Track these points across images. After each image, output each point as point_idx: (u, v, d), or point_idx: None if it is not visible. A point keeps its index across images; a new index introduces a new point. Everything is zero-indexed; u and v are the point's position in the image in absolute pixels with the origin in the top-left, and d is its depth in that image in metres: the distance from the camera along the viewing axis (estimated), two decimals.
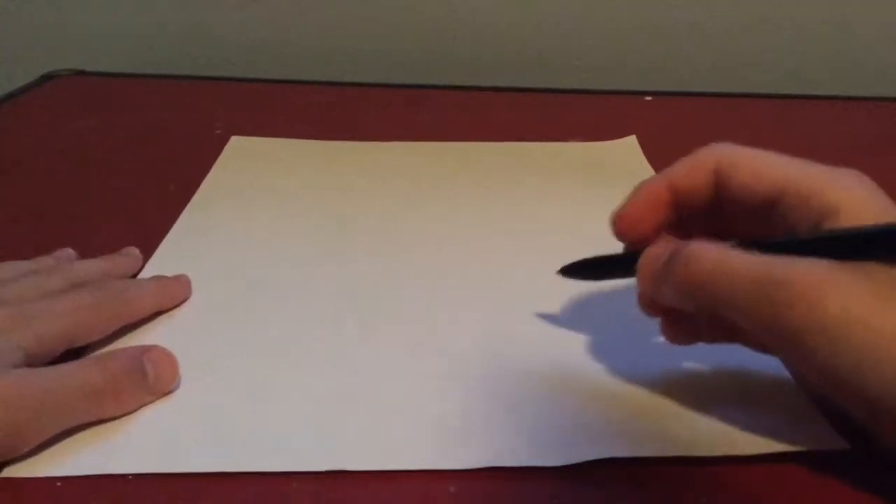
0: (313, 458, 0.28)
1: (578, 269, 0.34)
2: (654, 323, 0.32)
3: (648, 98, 0.70)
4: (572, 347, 0.35)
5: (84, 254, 0.41)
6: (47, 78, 0.74)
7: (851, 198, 0.27)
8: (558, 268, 0.35)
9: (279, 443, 0.29)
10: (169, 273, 0.39)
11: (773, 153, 0.30)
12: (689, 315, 0.31)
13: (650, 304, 0.32)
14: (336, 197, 0.50)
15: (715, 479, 0.28)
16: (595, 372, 0.33)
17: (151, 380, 0.31)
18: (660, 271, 0.29)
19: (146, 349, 0.32)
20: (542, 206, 0.49)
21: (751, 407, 0.30)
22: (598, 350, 0.35)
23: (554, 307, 0.38)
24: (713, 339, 0.32)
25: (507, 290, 0.39)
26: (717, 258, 0.27)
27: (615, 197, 0.33)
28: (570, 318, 0.37)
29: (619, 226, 0.32)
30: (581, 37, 0.79)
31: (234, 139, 0.58)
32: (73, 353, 0.33)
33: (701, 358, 0.33)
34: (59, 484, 0.27)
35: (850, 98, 0.71)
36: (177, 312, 0.37)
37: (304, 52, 0.81)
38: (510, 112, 0.67)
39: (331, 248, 0.43)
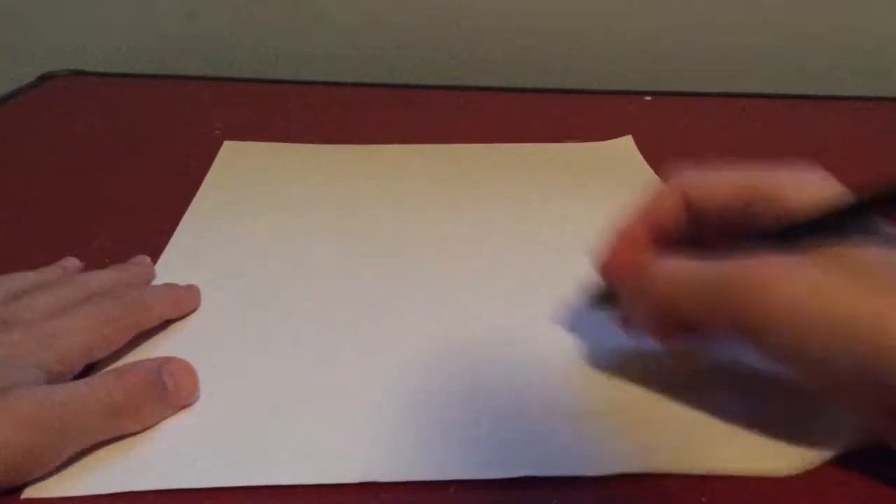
0: (340, 470, 0.28)
1: (603, 300, 0.35)
2: None
3: (648, 98, 0.70)
4: (585, 353, 0.35)
5: (84, 256, 0.41)
6: (45, 78, 0.74)
7: (807, 194, 0.29)
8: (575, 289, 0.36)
9: (303, 455, 0.29)
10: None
11: (734, 167, 0.32)
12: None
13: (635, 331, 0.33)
14: (334, 201, 0.50)
15: (719, 485, 0.28)
16: (614, 378, 0.33)
17: (171, 393, 0.30)
18: (631, 296, 0.32)
19: (164, 361, 0.31)
20: (541, 207, 0.49)
21: (771, 419, 0.30)
22: (614, 355, 0.35)
23: (556, 309, 0.38)
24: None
25: (509, 293, 0.39)
26: (672, 271, 0.30)
27: (613, 197, 0.33)
28: (577, 321, 0.37)
29: (606, 272, 0.33)
30: (579, 36, 0.79)
31: (226, 144, 0.58)
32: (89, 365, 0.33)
33: (716, 368, 0.33)
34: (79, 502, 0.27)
35: (850, 98, 0.71)
36: (187, 322, 0.37)
37: (303, 53, 0.81)
38: (509, 112, 0.67)
39: (333, 254, 0.43)
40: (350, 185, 0.52)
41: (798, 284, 0.26)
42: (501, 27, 0.79)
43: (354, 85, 0.74)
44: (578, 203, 0.49)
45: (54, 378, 0.30)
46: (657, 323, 0.31)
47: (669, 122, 0.65)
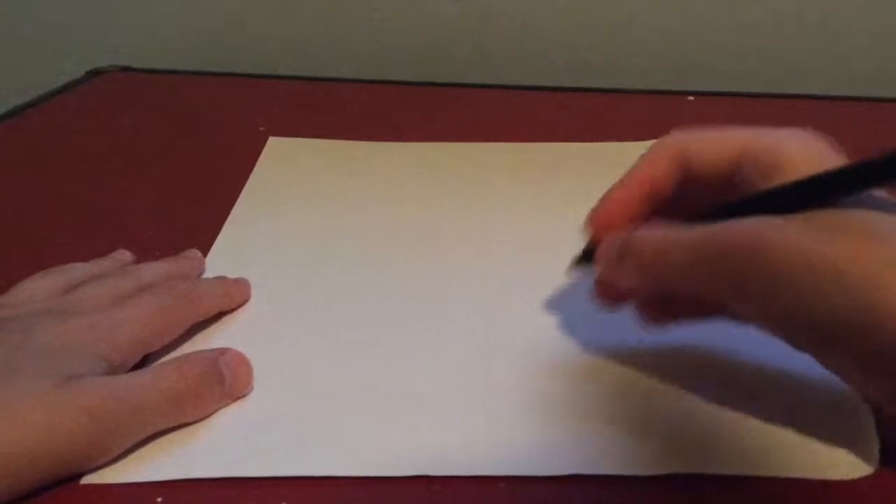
0: (394, 463, 0.28)
1: (586, 258, 0.35)
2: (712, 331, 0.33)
3: (691, 98, 0.70)
4: (635, 353, 0.35)
5: (131, 250, 0.41)
6: (94, 74, 0.75)
7: (795, 154, 0.28)
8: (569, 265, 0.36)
9: (355, 447, 0.29)
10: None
11: (728, 128, 0.31)
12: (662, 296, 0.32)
13: (608, 293, 0.34)
14: (378, 198, 0.50)
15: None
16: (659, 378, 0.33)
17: (228, 383, 0.31)
18: (616, 258, 0.31)
19: (221, 352, 0.32)
20: (584, 207, 0.49)
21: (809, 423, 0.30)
22: (662, 356, 0.34)
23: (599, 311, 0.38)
24: (692, 316, 0.33)
25: (555, 292, 0.39)
26: (661, 238, 0.30)
27: None
28: (628, 322, 0.37)
29: (593, 227, 0.34)
30: (621, 35, 0.79)
31: (271, 140, 0.58)
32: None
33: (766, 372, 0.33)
34: (136, 489, 0.28)
35: None
36: (238, 314, 0.38)
37: (346, 50, 0.81)
38: (550, 111, 0.67)
39: (378, 249, 0.44)
40: (394, 183, 0.52)
41: (794, 246, 0.26)
42: (541, 25, 0.79)
43: (396, 83, 0.74)
44: None
45: (112, 368, 0.30)
46: (641, 289, 0.32)
47: (713, 122, 0.64)
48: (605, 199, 0.33)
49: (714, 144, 0.31)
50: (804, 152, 0.29)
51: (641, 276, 0.31)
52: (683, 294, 0.31)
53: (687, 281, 0.29)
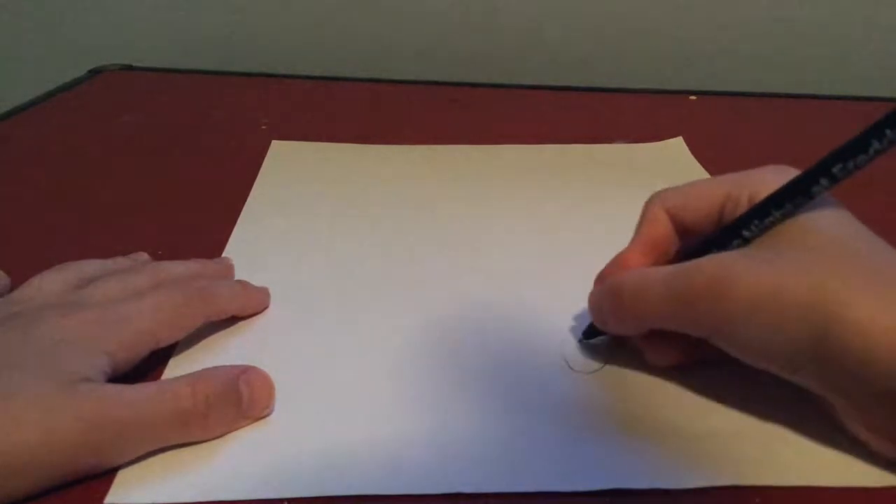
0: (421, 481, 0.28)
1: (594, 332, 0.35)
2: None
3: (693, 97, 0.70)
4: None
5: (133, 247, 0.41)
6: (95, 72, 0.75)
7: (769, 187, 0.29)
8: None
9: (384, 463, 0.28)
10: None
11: (708, 178, 0.33)
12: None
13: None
14: (385, 202, 0.49)
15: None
16: (691, 391, 0.32)
17: (246, 404, 0.30)
18: (598, 307, 0.33)
19: (243, 371, 0.30)
20: (591, 210, 0.49)
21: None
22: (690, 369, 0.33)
23: None
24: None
25: (573, 299, 0.38)
26: (636, 281, 0.31)
27: None
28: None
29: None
30: (623, 36, 0.79)
31: (274, 143, 0.58)
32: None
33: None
34: None
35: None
36: (254, 320, 0.37)
37: (348, 48, 0.81)
38: (554, 110, 0.67)
39: (389, 255, 0.43)
40: (398, 186, 0.52)
41: (750, 276, 0.27)
42: (544, 25, 0.79)
43: (400, 82, 0.74)
44: (630, 206, 0.48)
45: (118, 364, 0.30)
46: (626, 332, 0.32)
47: (715, 122, 0.64)
48: (611, 263, 0.34)
49: (698, 196, 0.32)
50: (771, 185, 0.30)
51: (624, 321, 0.32)
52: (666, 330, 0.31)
53: (662, 319, 0.30)
